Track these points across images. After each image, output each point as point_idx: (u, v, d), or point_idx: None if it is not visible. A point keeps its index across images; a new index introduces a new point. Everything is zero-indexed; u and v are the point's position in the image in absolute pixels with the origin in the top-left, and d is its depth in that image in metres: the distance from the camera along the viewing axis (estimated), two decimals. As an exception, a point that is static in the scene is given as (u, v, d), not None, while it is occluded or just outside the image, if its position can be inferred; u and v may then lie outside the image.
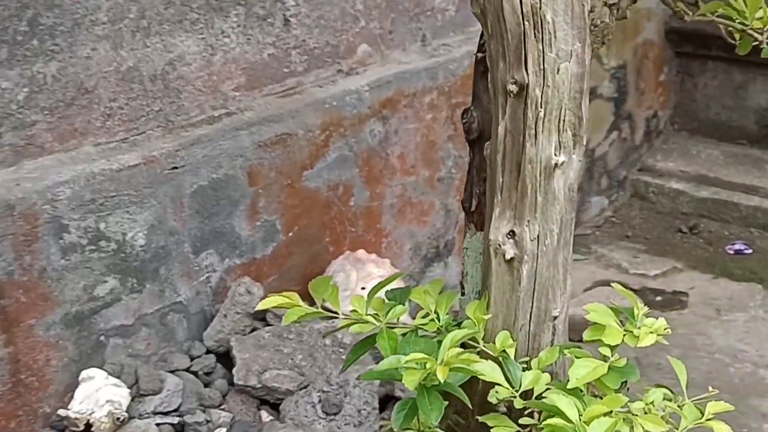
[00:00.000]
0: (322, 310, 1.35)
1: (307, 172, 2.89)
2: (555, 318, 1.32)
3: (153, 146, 2.61)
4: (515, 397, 1.21)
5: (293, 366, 2.58)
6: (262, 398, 2.57)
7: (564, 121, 1.27)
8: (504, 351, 1.27)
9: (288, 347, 2.62)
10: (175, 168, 2.61)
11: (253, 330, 2.71)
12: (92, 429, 2.41)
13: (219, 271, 2.75)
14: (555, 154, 1.27)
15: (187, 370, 2.65)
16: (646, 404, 1.26)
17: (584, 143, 1.32)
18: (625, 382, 1.30)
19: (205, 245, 2.71)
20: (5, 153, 2.43)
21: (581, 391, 1.23)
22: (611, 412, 1.18)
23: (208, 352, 2.70)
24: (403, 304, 1.34)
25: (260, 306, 1.33)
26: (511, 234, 1.29)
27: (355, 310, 1.37)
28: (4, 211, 2.31)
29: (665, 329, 1.31)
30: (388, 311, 1.33)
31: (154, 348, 2.67)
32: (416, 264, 3.31)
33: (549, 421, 1.13)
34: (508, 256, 1.29)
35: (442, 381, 1.19)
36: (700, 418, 1.23)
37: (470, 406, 1.30)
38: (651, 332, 1.29)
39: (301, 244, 2.92)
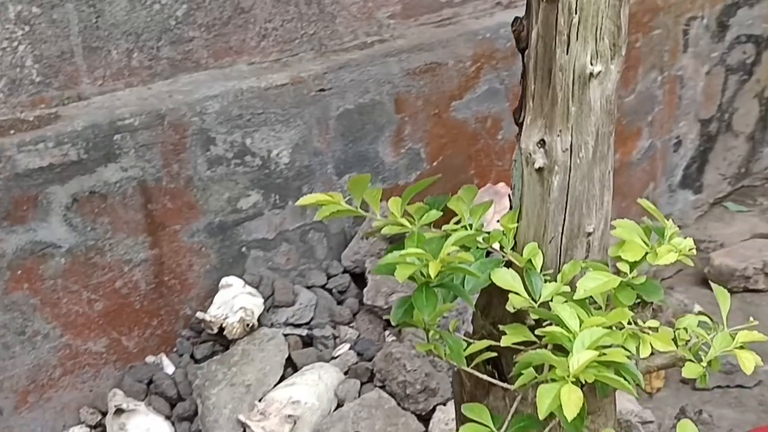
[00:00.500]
0: (357, 209, 1.37)
1: (455, 103, 2.90)
2: (589, 234, 1.27)
3: (302, 68, 2.69)
4: (532, 307, 1.19)
5: (420, 290, 2.61)
6: (388, 319, 2.62)
7: (601, 29, 1.22)
8: (530, 261, 1.26)
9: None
10: (322, 90, 2.69)
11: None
12: (224, 332, 2.55)
13: (361, 194, 2.81)
14: (591, 63, 1.22)
15: (323, 287, 2.75)
16: (679, 329, 1.22)
17: (623, 53, 1.26)
18: (651, 302, 1.25)
19: (348, 168, 2.78)
20: (162, 65, 2.58)
21: (599, 306, 1.19)
22: (621, 325, 1.14)
23: (345, 271, 2.79)
24: (439, 210, 1.34)
25: (300, 202, 1.37)
26: (542, 143, 1.26)
27: (391, 212, 1.39)
28: (154, 120, 2.46)
29: (690, 249, 1.25)
30: (423, 215, 1.34)
31: (293, 263, 2.77)
32: (566, 203, 3.27)
33: (549, 329, 1.11)
34: (537, 166, 1.27)
35: (433, 277, 1.19)
36: (728, 346, 1.17)
37: (472, 306, 1.29)
38: (673, 251, 1.23)
39: (446, 174, 2.94)
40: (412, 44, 2.82)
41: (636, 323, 1.18)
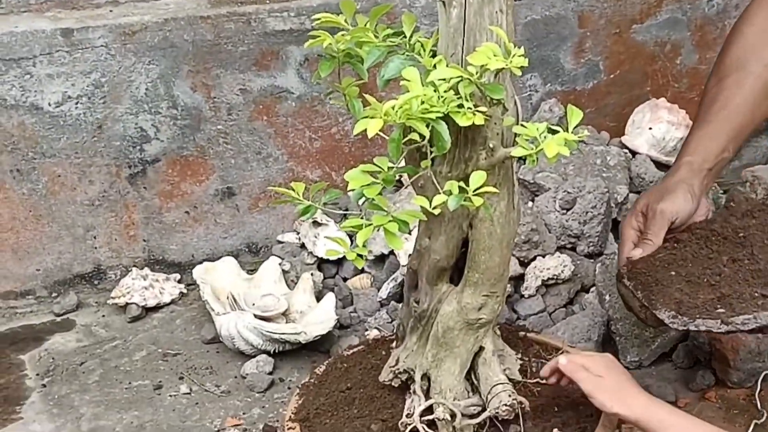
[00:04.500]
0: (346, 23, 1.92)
1: (636, 26, 3.34)
2: (481, 53, 1.78)
3: (503, -19, 3.29)
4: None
5: (562, 173, 3.15)
6: (532, 191, 3.18)
7: None
8: (434, 66, 1.80)
9: (566, 159, 3.18)
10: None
11: (552, 143, 3.30)
12: (402, 178, 3.25)
13: (540, 92, 3.37)
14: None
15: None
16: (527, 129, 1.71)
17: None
18: (499, 100, 1.74)
19: (531, 68, 3.33)
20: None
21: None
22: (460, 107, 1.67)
23: (517, 153, 3.37)
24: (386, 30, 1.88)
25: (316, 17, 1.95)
26: (442, -17, 1.79)
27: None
28: (371, 6, 3.18)
29: (519, 60, 1.70)
30: (382, 29, 1.88)
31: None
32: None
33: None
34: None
35: (336, 49, 1.77)
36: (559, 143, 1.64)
37: (364, 75, 1.81)
38: (502, 62, 1.69)
39: (621, 87, 3.40)
40: (602, -29, 3.31)
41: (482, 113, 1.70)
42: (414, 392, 2.07)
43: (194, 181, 3.25)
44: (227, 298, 2.94)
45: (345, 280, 3.17)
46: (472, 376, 2.11)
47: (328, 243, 3.08)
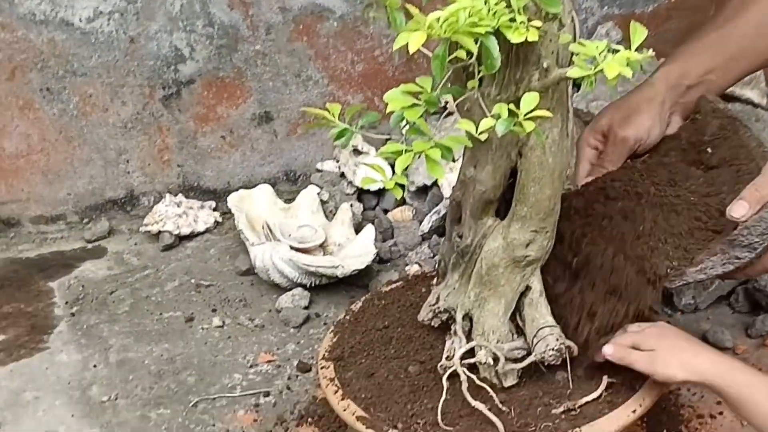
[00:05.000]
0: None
1: (701, -57, 3.13)
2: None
3: None
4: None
5: (619, 101, 2.96)
6: (585, 121, 3.00)
7: None
8: None
9: (621, 87, 2.98)
10: None
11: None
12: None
13: (596, 16, 3.17)
14: None
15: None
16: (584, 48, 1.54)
17: None
18: (555, 15, 1.57)
19: (588, -10, 3.15)
20: None
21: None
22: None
23: (570, 80, 3.19)
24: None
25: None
26: None
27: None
28: None
29: None
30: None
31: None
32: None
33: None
34: None
35: None
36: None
37: None
38: None
39: (684, 11, 3.19)
40: None
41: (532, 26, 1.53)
42: (455, 333, 1.93)
43: (230, 105, 3.11)
44: (263, 227, 2.81)
45: (386, 212, 3.03)
46: (517, 318, 1.96)
47: (366, 171, 2.94)
